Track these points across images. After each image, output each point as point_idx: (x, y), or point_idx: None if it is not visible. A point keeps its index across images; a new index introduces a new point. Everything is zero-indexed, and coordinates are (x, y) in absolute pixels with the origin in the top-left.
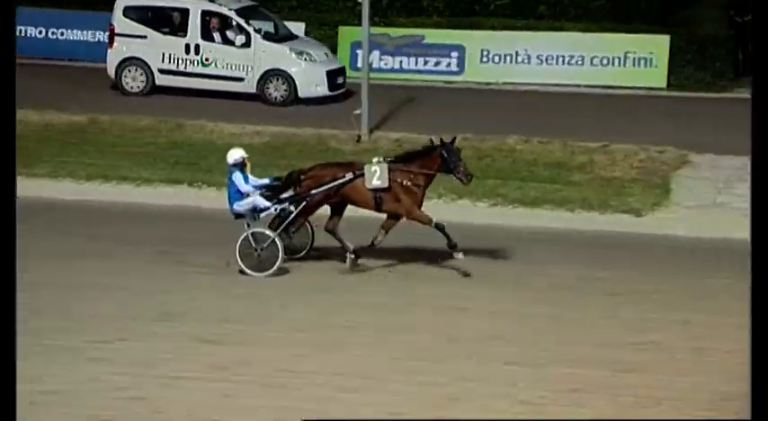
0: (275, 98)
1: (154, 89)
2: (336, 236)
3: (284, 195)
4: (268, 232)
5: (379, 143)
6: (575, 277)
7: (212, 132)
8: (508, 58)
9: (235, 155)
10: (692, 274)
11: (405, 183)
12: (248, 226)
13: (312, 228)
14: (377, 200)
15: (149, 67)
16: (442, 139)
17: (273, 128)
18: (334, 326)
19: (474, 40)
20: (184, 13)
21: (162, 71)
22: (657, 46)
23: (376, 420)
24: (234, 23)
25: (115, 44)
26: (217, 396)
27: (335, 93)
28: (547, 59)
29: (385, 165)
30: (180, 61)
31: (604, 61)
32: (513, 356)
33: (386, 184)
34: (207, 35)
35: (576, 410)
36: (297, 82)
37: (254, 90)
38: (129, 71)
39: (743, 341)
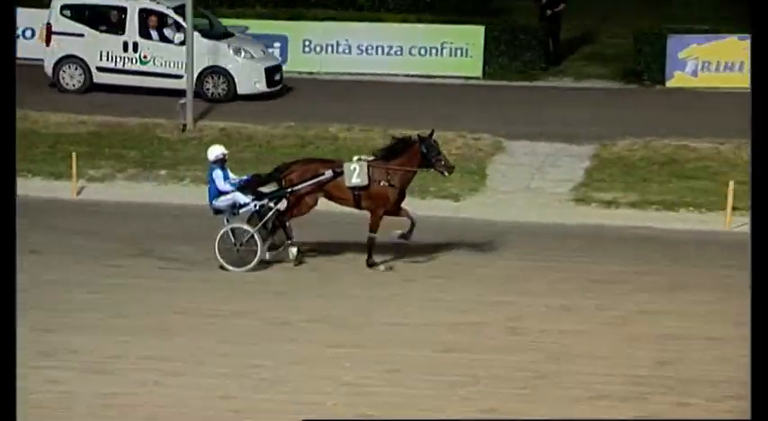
0: (214, 95)
1: (92, 87)
2: (287, 228)
3: (265, 191)
4: (247, 227)
5: (205, 132)
6: (400, 261)
7: (36, 122)
8: (330, 48)
9: (215, 151)
10: (508, 257)
11: (382, 182)
12: (227, 221)
13: (289, 224)
14: (356, 197)
15: (87, 65)
16: (419, 135)
17: (99, 117)
18: (160, 312)
19: (296, 30)
20: (122, 11)
21: (100, 69)
22: (472, 36)
23: (387, 420)
24: (172, 21)
25: (52, 42)
26: (41, 382)
27: (273, 89)
28: (367, 49)
29: (364, 164)
30: (118, 59)
31: (422, 51)
32: (338, 339)
33: (365, 183)
34: (145, 33)
35: (395, 390)
36: (236, 79)
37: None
38: (68, 69)
39: (555, 321)
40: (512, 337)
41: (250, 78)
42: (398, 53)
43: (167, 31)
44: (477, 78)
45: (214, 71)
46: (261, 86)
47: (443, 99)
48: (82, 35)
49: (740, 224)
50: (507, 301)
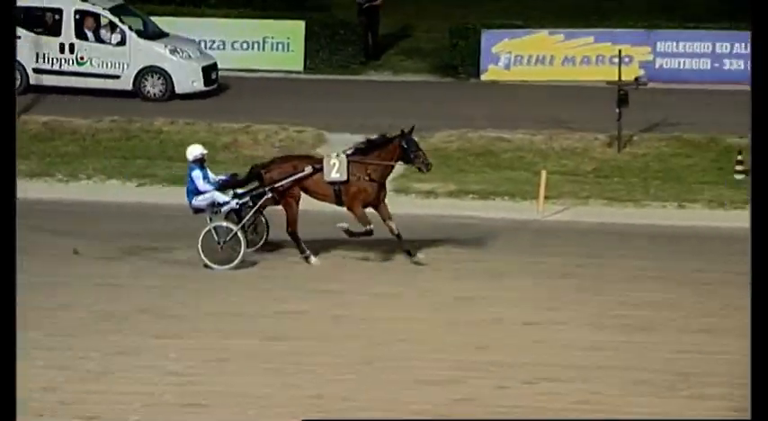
0: (152, 94)
1: (28, 88)
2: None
3: (244, 189)
4: (231, 226)
5: (29, 126)
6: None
7: None
8: None
9: (194, 151)
10: (330, 247)
11: (362, 176)
12: (210, 220)
13: (267, 221)
14: (336, 192)
15: (23, 67)
16: (403, 130)
17: None
18: None
19: None
20: (58, 12)
21: (37, 70)
22: (293, 31)
23: (375, 420)
24: (108, 22)
25: None
26: None
27: (210, 88)
28: None
29: (344, 158)
30: (55, 60)
31: (244, 46)
32: (163, 329)
33: (344, 178)
34: (81, 34)
35: (222, 379)
36: (174, 78)
37: (130, 87)
38: None
39: (379, 308)
40: (336, 325)
41: (188, 77)
42: (221, 48)
43: (104, 32)
44: (298, 72)
45: (152, 71)
46: (198, 85)
47: (265, 93)
48: (18, 37)
49: (552, 212)
50: (331, 290)
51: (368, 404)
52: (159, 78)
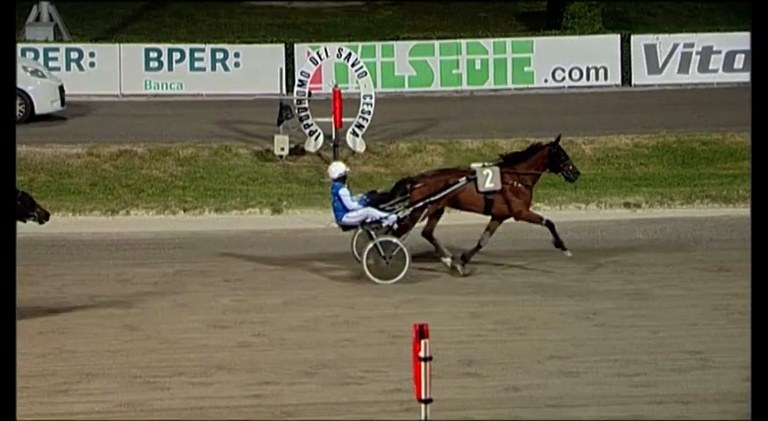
0: None
1: None
2: (434, 241)
3: (396, 204)
4: (395, 240)
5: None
6: None
7: None
8: None
9: (339, 169)
10: None
11: (515, 184)
12: (373, 236)
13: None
14: (487, 202)
15: None
16: (552, 141)
17: None
18: None
19: None
20: None
21: None
22: None
23: (378, 419)
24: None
25: None
26: None
27: (64, 108)
28: None
29: (497, 169)
30: None
31: None
32: None
33: (498, 187)
34: None
35: None
36: (34, 99)
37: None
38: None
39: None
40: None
41: (47, 98)
42: None
43: None
44: None
45: None
46: (56, 105)
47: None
48: None
49: None
50: None
51: None
52: (18, 100)
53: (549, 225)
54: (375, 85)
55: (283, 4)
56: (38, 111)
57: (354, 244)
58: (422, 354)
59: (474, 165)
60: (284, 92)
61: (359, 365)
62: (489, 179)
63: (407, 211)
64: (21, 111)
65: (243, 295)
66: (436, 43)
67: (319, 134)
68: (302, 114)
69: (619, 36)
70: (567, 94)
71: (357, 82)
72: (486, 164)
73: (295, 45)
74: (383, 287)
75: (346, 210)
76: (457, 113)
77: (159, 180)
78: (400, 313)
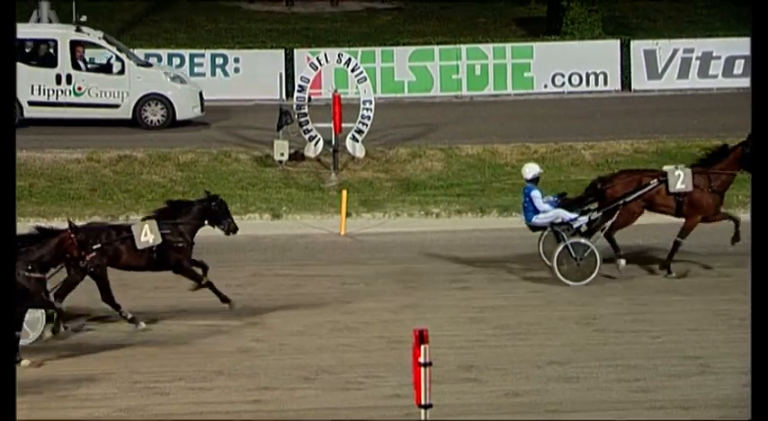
0: (152, 122)
1: (22, 122)
2: (614, 242)
3: (589, 205)
4: (585, 241)
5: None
6: None
7: None
8: None
9: (533, 170)
10: None
11: (705, 187)
12: (564, 237)
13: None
14: (678, 204)
15: (17, 101)
16: (744, 140)
17: None
18: None
19: None
20: (52, 43)
21: (32, 103)
22: None
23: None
24: (111, 54)
25: None
26: None
27: (203, 113)
28: None
29: (688, 170)
30: (51, 92)
31: None
32: None
33: (689, 188)
34: (76, 64)
35: None
36: (175, 105)
37: (129, 116)
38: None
39: None
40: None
41: (188, 104)
42: None
43: (101, 62)
44: None
45: (152, 98)
46: (197, 111)
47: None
48: None
49: None
50: None
51: None
52: (159, 106)
53: (734, 219)
54: (375, 91)
55: (283, 9)
56: (179, 116)
57: (541, 246)
58: (422, 360)
59: (666, 168)
60: (284, 97)
61: (359, 371)
62: (680, 180)
63: (598, 213)
64: (163, 116)
65: (242, 300)
66: (436, 48)
67: (319, 139)
68: (302, 120)
69: (618, 41)
70: (567, 99)
71: (357, 87)
72: (677, 166)
73: (295, 50)
74: (382, 292)
75: (537, 211)
76: (456, 119)
77: (159, 185)
78: (400, 318)
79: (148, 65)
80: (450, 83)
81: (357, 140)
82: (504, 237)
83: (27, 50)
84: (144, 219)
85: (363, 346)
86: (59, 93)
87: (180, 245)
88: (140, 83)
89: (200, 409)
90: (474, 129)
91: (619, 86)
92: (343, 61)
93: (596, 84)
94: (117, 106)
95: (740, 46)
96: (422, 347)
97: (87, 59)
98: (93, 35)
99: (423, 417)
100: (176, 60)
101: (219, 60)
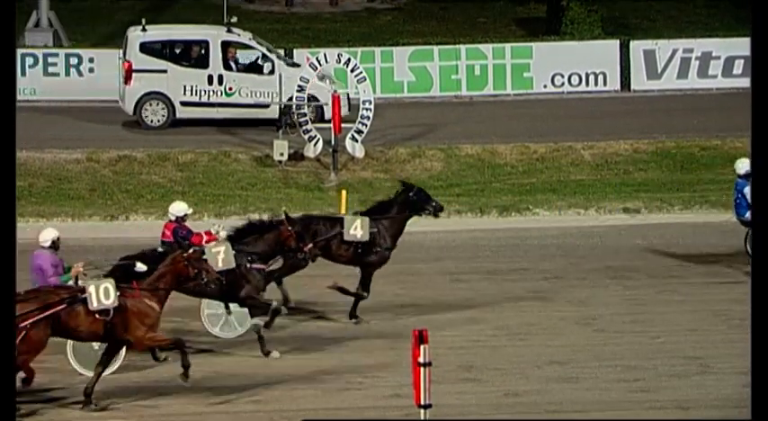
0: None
1: (174, 122)
2: None
3: None
4: None
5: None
6: None
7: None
8: None
9: (747, 165)
10: None
11: None
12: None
13: None
14: None
15: (170, 101)
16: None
17: None
18: None
19: None
20: (204, 44)
21: (184, 104)
22: None
23: (377, 420)
24: (259, 53)
25: (133, 80)
26: None
27: (348, 112)
28: None
29: None
30: (203, 93)
31: None
32: None
33: None
34: (228, 65)
35: None
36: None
37: (277, 116)
38: (150, 105)
39: None
40: None
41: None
42: None
43: (252, 62)
44: None
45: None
46: (345, 110)
47: None
48: (164, 71)
49: None
50: None
51: None
52: (309, 105)
53: None
54: (374, 91)
55: (283, 9)
56: (327, 115)
57: (749, 242)
58: (421, 360)
59: None
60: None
61: (358, 371)
62: None
63: None
64: (313, 115)
65: None
66: (435, 49)
67: (318, 139)
68: (301, 120)
69: (618, 41)
70: (567, 99)
71: (356, 87)
72: None
73: (294, 50)
74: (382, 292)
75: (750, 206)
76: (456, 119)
77: (159, 185)
78: (399, 318)
79: (296, 65)
80: (449, 83)
81: (357, 140)
82: (504, 237)
83: (177, 51)
84: (355, 214)
85: (363, 346)
86: (211, 93)
87: (378, 249)
88: (290, 83)
89: (200, 410)
90: (474, 129)
91: (618, 86)
92: (343, 61)
93: (596, 84)
94: (267, 106)
95: (740, 46)
96: (421, 347)
97: (250, 60)
98: (244, 36)
99: (422, 417)
100: None
101: None
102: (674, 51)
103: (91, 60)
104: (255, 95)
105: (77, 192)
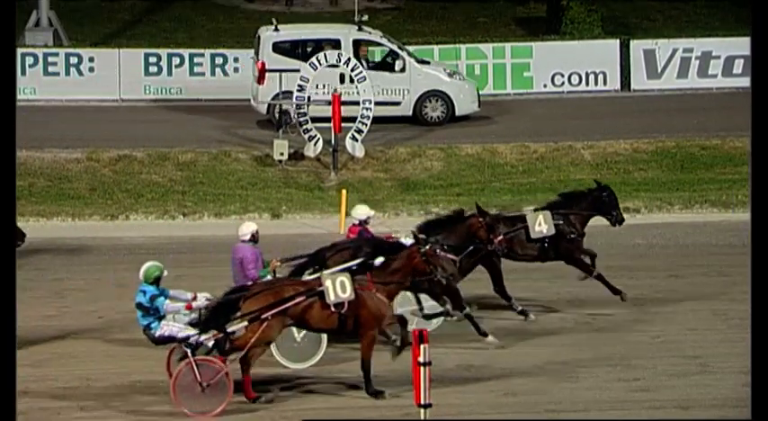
0: (433, 118)
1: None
2: None
3: None
4: None
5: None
6: None
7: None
8: None
9: None
10: None
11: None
12: None
13: None
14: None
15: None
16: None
17: None
18: None
19: None
20: (336, 43)
21: (316, 102)
22: None
23: (377, 420)
24: (388, 50)
25: (266, 80)
26: None
27: (478, 108)
28: None
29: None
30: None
31: None
32: None
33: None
34: (360, 63)
35: None
36: (454, 101)
37: (410, 113)
38: (281, 105)
39: None
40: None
41: (466, 99)
42: None
43: (384, 60)
44: None
45: (432, 95)
46: (475, 106)
47: None
48: (297, 70)
49: None
50: None
51: None
52: (439, 102)
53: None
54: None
55: (283, 9)
56: (458, 112)
57: None
58: (421, 359)
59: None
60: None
61: (358, 371)
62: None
63: None
64: (442, 112)
65: None
66: (435, 48)
67: (318, 139)
68: (301, 119)
69: (618, 41)
70: (567, 99)
71: (356, 87)
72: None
73: None
74: None
75: None
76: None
77: (159, 185)
78: None
79: (426, 62)
80: None
81: (357, 140)
82: None
83: (308, 50)
84: (536, 210)
85: None
86: (343, 92)
87: (572, 236)
88: (420, 80)
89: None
90: (473, 129)
91: (618, 86)
92: (343, 61)
93: (596, 83)
94: (398, 104)
95: (740, 46)
96: (421, 347)
97: (382, 58)
98: (375, 34)
99: (422, 417)
100: (176, 60)
101: (219, 60)
102: (674, 51)
103: (91, 60)
104: (387, 93)
105: (77, 192)
